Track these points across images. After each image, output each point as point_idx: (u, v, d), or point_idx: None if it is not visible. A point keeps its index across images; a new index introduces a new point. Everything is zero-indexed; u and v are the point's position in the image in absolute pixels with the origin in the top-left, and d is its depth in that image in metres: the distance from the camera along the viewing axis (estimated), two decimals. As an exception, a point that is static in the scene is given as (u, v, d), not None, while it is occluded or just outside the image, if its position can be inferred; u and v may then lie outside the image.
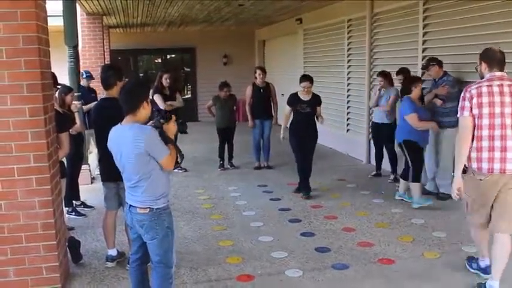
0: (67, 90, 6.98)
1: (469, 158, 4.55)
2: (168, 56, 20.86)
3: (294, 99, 8.29)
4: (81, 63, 10.10)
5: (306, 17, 13.97)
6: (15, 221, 4.57)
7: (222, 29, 17.94)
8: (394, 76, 8.72)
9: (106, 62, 13.19)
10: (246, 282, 5.09)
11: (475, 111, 4.47)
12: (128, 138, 3.85)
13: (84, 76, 9.96)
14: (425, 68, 7.89)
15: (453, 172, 4.75)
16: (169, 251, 4.06)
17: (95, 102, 6.92)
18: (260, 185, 9.05)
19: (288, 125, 8.47)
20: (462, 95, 4.60)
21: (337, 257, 5.67)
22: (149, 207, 3.91)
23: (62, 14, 8.58)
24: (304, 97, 8.23)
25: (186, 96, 19.11)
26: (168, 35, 18.59)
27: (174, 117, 4.12)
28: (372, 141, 9.84)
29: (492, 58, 4.70)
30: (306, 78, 8.37)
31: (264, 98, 10.26)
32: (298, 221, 6.94)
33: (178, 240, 6.16)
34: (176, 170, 10.01)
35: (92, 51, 12.74)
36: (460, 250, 5.75)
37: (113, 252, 5.55)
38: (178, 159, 4.12)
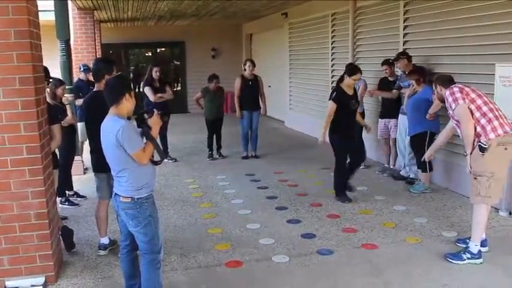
0: (58, 83, 6.91)
1: (484, 134, 4.88)
2: (158, 50, 20.72)
3: (342, 95, 6.98)
4: (73, 57, 9.99)
5: (292, 11, 13.93)
6: (9, 211, 4.51)
7: (211, 23, 17.84)
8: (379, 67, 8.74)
9: (98, 56, 13.09)
10: (235, 268, 5.07)
11: (469, 97, 4.98)
12: (107, 129, 3.92)
13: (82, 69, 9.86)
14: (395, 60, 8.05)
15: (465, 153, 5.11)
16: (154, 238, 4.05)
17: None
18: (248, 174, 9.02)
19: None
20: (449, 92, 5.10)
21: (322, 242, 5.66)
22: (131, 197, 3.94)
23: (53, 9, 8.48)
24: (350, 91, 7.06)
25: (176, 89, 19.05)
26: (158, 29, 18.47)
27: (156, 111, 4.10)
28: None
29: (444, 80, 5.60)
30: (358, 69, 7.04)
31: (252, 89, 10.20)
32: (284, 209, 6.93)
33: (168, 228, 6.17)
34: (166, 160, 9.99)
35: (83, 45, 12.64)
36: (440, 235, 5.77)
37: (105, 240, 5.51)
38: (156, 159, 4.09)
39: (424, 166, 7.21)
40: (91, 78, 9.31)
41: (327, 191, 7.71)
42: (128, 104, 3.99)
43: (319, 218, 6.50)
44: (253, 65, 10.23)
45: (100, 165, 4.94)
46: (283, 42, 15.06)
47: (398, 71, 8.38)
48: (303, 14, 13.20)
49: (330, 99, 7.11)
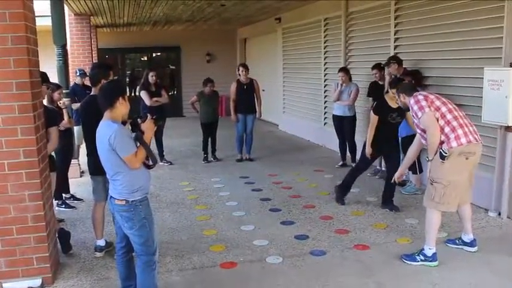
0: (55, 87, 6.90)
1: (447, 142, 4.79)
2: (154, 55, 20.72)
3: (383, 108, 6.70)
4: (69, 61, 9.99)
5: (285, 17, 13.96)
6: (6, 214, 4.51)
7: (205, 28, 17.87)
8: (370, 71, 8.76)
9: (94, 61, 13.08)
10: (229, 269, 5.08)
11: (434, 105, 4.89)
12: (101, 134, 3.94)
13: (78, 74, 9.88)
14: (386, 65, 8.03)
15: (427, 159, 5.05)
16: (149, 240, 4.06)
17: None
18: (242, 176, 9.03)
19: None
20: (414, 100, 5.01)
21: (315, 244, 5.68)
22: (125, 199, 3.94)
23: (50, 14, 8.48)
24: (394, 104, 6.58)
25: (172, 93, 19.04)
26: (153, 34, 18.48)
27: (149, 116, 4.10)
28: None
29: (406, 88, 5.44)
30: (398, 83, 6.45)
31: (247, 93, 10.20)
32: (278, 210, 6.94)
33: (164, 230, 6.18)
34: (162, 163, 10.01)
35: (80, 50, 12.61)
36: (430, 236, 5.79)
37: (101, 242, 5.51)
38: (150, 163, 4.07)
39: (415, 168, 7.22)
40: (87, 82, 9.36)
41: (319, 193, 7.74)
42: (121, 108, 3.99)
43: (312, 220, 6.52)
44: (246, 69, 10.22)
45: (96, 168, 4.94)
46: (277, 47, 15.09)
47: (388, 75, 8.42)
48: (296, 19, 13.23)
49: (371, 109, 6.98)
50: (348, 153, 9.52)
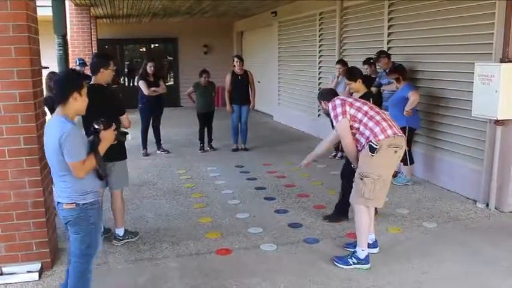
0: (52, 75, 6.82)
1: (374, 136, 4.57)
2: (152, 46, 20.61)
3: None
4: (69, 51, 9.90)
5: (281, 10, 13.89)
6: (6, 200, 4.47)
7: (203, 20, 17.78)
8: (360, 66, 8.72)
9: (94, 51, 13.00)
10: (225, 255, 5.06)
11: (355, 106, 4.76)
12: (51, 130, 3.42)
13: (78, 63, 9.81)
14: (376, 60, 8.03)
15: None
16: (92, 247, 3.58)
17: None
18: (237, 165, 9.00)
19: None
20: (331, 106, 4.85)
21: (308, 231, 5.67)
22: (75, 202, 3.45)
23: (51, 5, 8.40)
24: (356, 94, 6.15)
25: (169, 83, 18.95)
26: (152, 26, 18.37)
27: (114, 126, 3.62)
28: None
29: (326, 94, 5.24)
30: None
31: (242, 84, 10.15)
32: (272, 199, 6.92)
33: (161, 218, 6.16)
34: (159, 152, 10.00)
35: (80, 40, 12.53)
36: (420, 225, 5.80)
37: (99, 228, 5.44)
38: (100, 171, 3.55)
39: (406, 159, 7.22)
40: (87, 72, 9.27)
41: (313, 182, 7.72)
42: (75, 104, 3.45)
43: (306, 208, 6.51)
44: (241, 60, 10.18)
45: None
46: (272, 40, 15.02)
47: (380, 69, 8.40)
48: (291, 13, 13.17)
49: None
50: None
